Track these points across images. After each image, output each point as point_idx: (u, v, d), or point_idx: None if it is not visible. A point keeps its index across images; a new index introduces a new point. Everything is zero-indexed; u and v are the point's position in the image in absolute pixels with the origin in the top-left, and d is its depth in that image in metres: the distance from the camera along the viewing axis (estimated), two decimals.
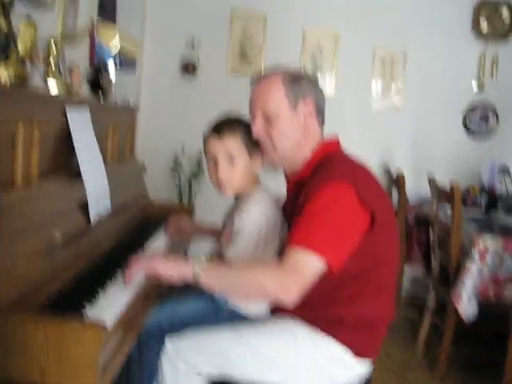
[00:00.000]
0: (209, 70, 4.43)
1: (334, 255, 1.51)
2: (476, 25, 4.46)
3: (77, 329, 1.16)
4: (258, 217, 1.73)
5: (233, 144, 1.76)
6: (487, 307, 3.03)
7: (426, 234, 3.77)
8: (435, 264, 3.49)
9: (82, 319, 1.26)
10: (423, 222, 3.85)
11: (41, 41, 1.84)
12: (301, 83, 1.70)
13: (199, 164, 4.27)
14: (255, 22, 4.46)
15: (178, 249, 2.24)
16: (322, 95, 1.77)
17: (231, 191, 1.82)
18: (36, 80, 1.80)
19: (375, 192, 1.67)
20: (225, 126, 1.78)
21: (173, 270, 1.54)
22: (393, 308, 1.77)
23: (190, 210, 2.74)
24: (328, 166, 1.64)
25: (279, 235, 1.76)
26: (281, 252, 1.60)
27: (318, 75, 4.43)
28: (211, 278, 1.53)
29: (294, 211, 1.63)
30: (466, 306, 2.96)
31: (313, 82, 1.76)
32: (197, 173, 4.29)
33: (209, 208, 3.15)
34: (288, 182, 1.84)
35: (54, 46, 1.85)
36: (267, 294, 1.55)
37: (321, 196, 1.54)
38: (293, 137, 1.70)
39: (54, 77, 1.87)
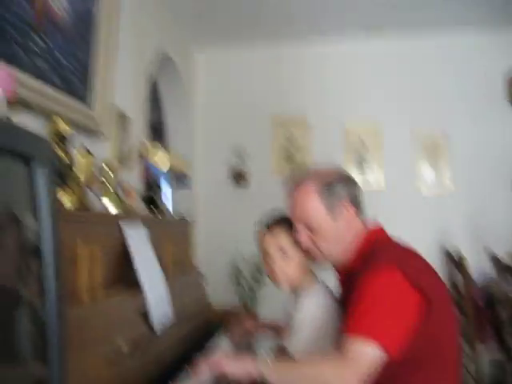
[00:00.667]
0: (257, 176, 4.61)
1: (391, 341, 1.51)
2: (510, 92, 4.52)
3: None
4: (315, 310, 1.77)
5: (284, 237, 1.84)
6: None
7: (498, 314, 3.64)
8: (511, 344, 3.34)
9: None
10: (495, 302, 3.73)
11: (97, 166, 2.02)
12: (334, 188, 1.73)
13: (258, 269, 4.33)
14: (296, 125, 4.66)
15: (242, 348, 2.26)
16: (355, 187, 1.79)
17: (287, 284, 1.88)
18: (95, 202, 1.95)
19: (427, 275, 1.67)
20: (274, 221, 1.88)
21: (238, 368, 1.57)
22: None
23: (252, 312, 2.76)
24: (377, 254, 1.66)
25: (338, 327, 1.78)
26: (338, 343, 1.61)
27: (363, 166, 4.54)
28: (275, 375, 1.55)
29: (349, 302, 1.66)
30: None
31: (345, 180, 1.77)
32: (257, 277, 4.35)
33: (273, 311, 3.16)
34: (339, 273, 1.85)
35: (107, 169, 2.01)
36: None
37: (372, 284, 1.56)
38: (338, 241, 1.75)
39: (110, 198, 2.02)
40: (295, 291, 1.90)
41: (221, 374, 1.60)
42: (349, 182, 1.78)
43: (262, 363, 1.56)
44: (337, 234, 1.73)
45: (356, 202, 1.77)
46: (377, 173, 4.62)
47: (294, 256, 1.84)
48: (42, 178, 0.94)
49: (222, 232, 4.55)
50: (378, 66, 4.66)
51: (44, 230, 0.95)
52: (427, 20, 4.36)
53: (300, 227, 1.77)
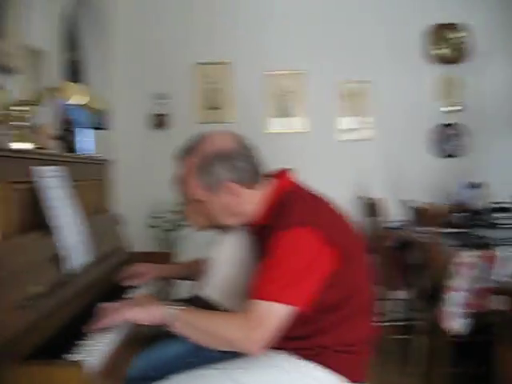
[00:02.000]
0: (179, 121, 4.53)
1: (299, 298, 1.55)
2: (433, 49, 4.64)
3: (59, 370, 1.18)
4: (232, 250, 1.78)
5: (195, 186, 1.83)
6: (474, 320, 3.07)
7: (407, 257, 3.81)
8: (420, 285, 3.53)
9: (65, 362, 1.28)
10: (405, 246, 3.90)
11: (9, 103, 1.91)
12: (214, 169, 1.68)
13: (177, 212, 4.30)
14: (220, 71, 4.58)
15: (161, 293, 2.26)
16: (244, 162, 1.71)
17: (202, 227, 1.87)
18: (6, 140, 1.85)
19: (337, 227, 1.70)
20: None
21: (145, 315, 1.58)
22: (373, 328, 1.80)
23: (167, 257, 2.74)
24: (286, 209, 1.65)
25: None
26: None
27: (287, 112, 4.56)
28: (182, 325, 1.57)
29: (259, 258, 1.67)
30: (453, 321, 2.99)
31: (228, 158, 1.69)
32: (176, 221, 4.33)
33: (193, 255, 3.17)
34: (248, 225, 1.82)
35: (20, 106, 1.91)
36: (232, 346, 1.58)
37: (281, 244, 1.57)
38: (224, 213, 1.75)
39: (22, 135, 1.92)
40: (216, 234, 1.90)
41: (126, 320, 1.59)
42: (231, 158, 1.70)
43: (169, 311, 1.57)
44: (218, 207, 1.73)
45: (242, 177, 1.71)
46: (299, 117, 4.64)
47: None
48: None
49: (142, 175, 4.47)
50: (302, 13, 4.63)
51: None
52: None
53: (186, 197, 1.77)
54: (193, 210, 1.85)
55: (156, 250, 4.30)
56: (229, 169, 1.69)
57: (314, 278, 1.58)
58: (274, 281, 1.54)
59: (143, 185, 4.44)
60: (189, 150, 1.75)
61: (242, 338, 1.53)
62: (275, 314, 1.53)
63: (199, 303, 1.76)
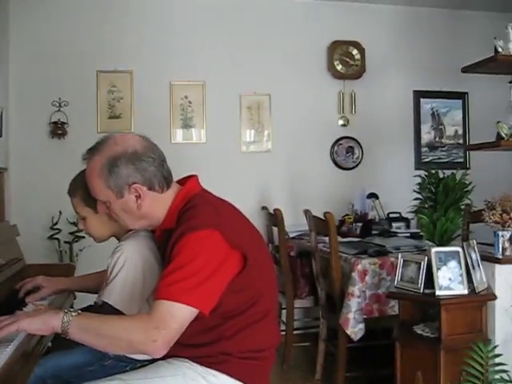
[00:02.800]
0: (79, 130, 4.38)
1: (201, 300, 1.54)
2: (331, 65, 4.80)
3: None
4: (131, 254, 1.76)
5: (76, 205, 1.91)
6: (374, 325, 3.19)
7: (309, 266, 3.89)
8: (321, 293, 3.61)
9: None
10: (306, 255, 3.98)
11: None
12: (119, 170, 1.65)
13: (77, 226, 4.16)
14: (121, 79, 4.50)
15: (63, 306, 2.17)
16: (150, 165, 1.68)
17: (98, 240, 1.97)
18: None
19: (242, 230, 1.72)
20: (69, 188, 1.93)
21: (38, 324, 1.52)
22: (276, 334, 1.83)
23: (69, 269, 2.67)
24: (191, 212, 1.64)
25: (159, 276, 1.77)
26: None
27: (188, 123, 4.56)
28: (79, 331, 1.52)
29: (165, 260, 1.66)
30: (354, 326, 3.08)
31: (133, 160, 1.66)
32: (76, 235, 4.19)
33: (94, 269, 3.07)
34: (154, 230, 1.83)
35: None
36: (133, 347, 1.54)
37: (186, 246, 1.56)
38: (131, 216, 1.73)
39: None
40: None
41: (20, 330, 1.53)
42: (137, 159, 1.67)
43: (64, 318, 1.51)
44: (125, 209, 1.70)
45: (149, 179, 1.68)
46: (200, 129, 4.64)
47: (90, 218, 1.90)
48: None
49: (38, 184, 4.28)
50: (205, 25, 4.63)
51: None
52: None
53: (97, 200, 1.74)
54: (91, 221, 1.85)
55: (56, 262, 4.12)
56: (135, 170, 1.66)
57: (218, 279, 1.57)
58: (177, 282, 1.52)
59: (41, 195, 4.26)
60: (94, 151, 1.70)
61: (143, 339, 1.49)
62: (177, 314, 1.51)
63: (102, 308, 1.72)
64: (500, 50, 2.95)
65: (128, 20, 4.52)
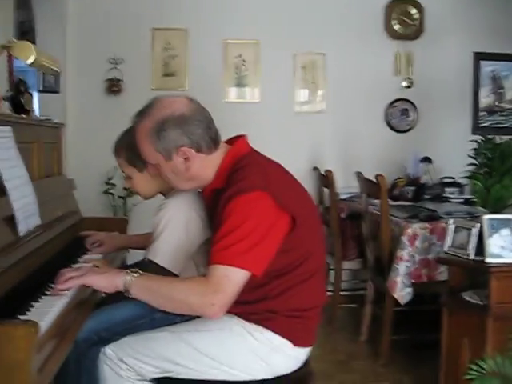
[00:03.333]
0: (134, 87, 4.45)
1: (255, 263, 1.57)
2: (388, 25, 4.67)
3: (9, 329, 1.17)
4: (175, 212, 1.80)
5: (121, 165, 1.98)
6: (422, 289, 3.18)
7: (359, 228, 3.88)
8: (370, 255, 3.61)
9: (14, 321, 1.27)
10: (356, 217, 3.97)
11: None
12: (167, 134, 1.66)
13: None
14: (176, 37, 4.51)
15: (115, 260, 2.25)
16: (197, 127, 1.69)
17: (145, 197, 2.04)
18: None
19: (291, 192, 1.73)
20: (114, 148, 2.00)
21: (103, 282, 1.61)
22: (322, 294, 1.85)
23: (122, 223, 2.74)
24: (240, 173, 1.66)
25: (204, 235, 1.81)
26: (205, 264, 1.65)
27: (242, 82, 4.55)
28: (140, 291, 1.60)
29: (214, 221, 1.70)
30: (401, 290, 3.08)
31: (181, 124, 1.67)
32: (130, 190, 4.28)
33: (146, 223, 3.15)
34: (203, 190, 1.85)
35: None
36: (192, 310, 1.62)
37: (236, 209, 1.59)
38: (180, 178, 1.75)
39: None
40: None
41: (85, 285, 1.63)
42: (185, 122, 1.68)
43: (129, 278, 1.59)
44: (174, 171, 1.73)
45: (196, 142, 1.69)
46: (253, 88, 4.63)
47: (135, 176, 1.96)
48: None
49: (94, 140, 4.37)
50: None
51: None
52: None
53: (147, 162, 1.78)
54: (137, 180, 1.88)
55: (110, 215, 4.24)
56: (183, 133, 1.68)
57: (269, 241, 1.60)
58: (230, 245, 1.55)
59: (96, 150, 4.35)
60: (142, 114, 1.72)
61: (200, 303, 1.55)
62: (233, 278, 1.55)
63: (149, 266, 1.77)
64: None
65: None
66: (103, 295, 1.89)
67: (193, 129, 1.69)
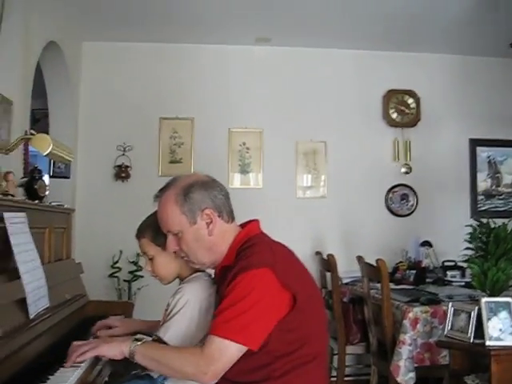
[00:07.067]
0: (141, 174, 4.60)
1: (251, 338, 1.63)
2: (386, 114, 4.88)
3: None
4: (191, 296, 1.86)
5: (144, 245, 1.99)
6: (425, 373, 3.17)
7: (362, 312, 3.90)
8: (373, 340, 3.62)
9: None
10: (358, 301, 3.99)
11: None
12: (193, 196, 1.78)
13: (137, 265, 4.34)
14: (183, 126, 4.71)
15: None
16: (219, 193, 1.83)
17: (165, 281, 2.03)
18: None
19: (296, 272, 1.79)
20: (138, 229, 2.02)
21: (113, 350, 1.70)
22: (324, 377, 1.87)
23: (128, 307, 2.79)
24: (248, 251, 1.74)
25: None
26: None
27: (246, 169, 4.72)
28: (143, 357, 1.68)
29: (220, 296, 1.76)
30: (404, 374, 3.08)
31: (206, 187, 1.81)
32: (135, 274, 4.35)
33: (150, 308, 3.18)
34: (214, 268, 1.93)
35: None
36: (186, 377, 1.69)
37: (240, 284, 1.66)
38: (201, 245, 1.82)
39: None
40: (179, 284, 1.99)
41: (95, 356, 1.72)
42: (210, 189, 1.82)
43: (134, 345, 1.68)
44: (197, 238, 1.80)
45: (220, 209, 1.81)
46: (257, 174, 4.79)
47: (158, 258, 1.97)
48: None
49: (101, 224, 4.49)
50: (265, 75, 4.83)
51: None
52: (316, 36, 4.63)
53: (167, 235, 1.84)
54: (159, 261, 1.95)
55: (115, 299, 4.28)
56: (208, 196, 1.80)
57: (267, 317, 1.66)
58: (229, 319, 1.62)
59: (103, 235, 4.46)
60: (166, 187, 1.85)
61: (195, 372, 1.63)
62: (227, 351, 1.62)
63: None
64: None
65: (190, 70, 4.76)
66: (106, 379, 1.94)
67: (216, 193, 1.82)
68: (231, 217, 1.87)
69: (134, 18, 4.21)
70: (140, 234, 2.01)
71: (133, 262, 4.37)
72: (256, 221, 1.93)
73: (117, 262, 4.40)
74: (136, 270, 4.35)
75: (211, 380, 1.63)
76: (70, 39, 4.25)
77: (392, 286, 3.60)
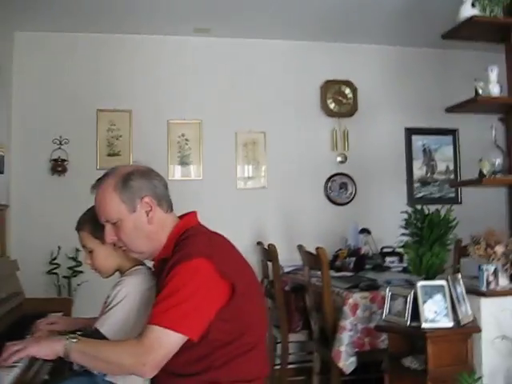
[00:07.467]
0: (78, 167, 4.50)
1: (190, 327, 1.63)
2: (324, 104, 4.95)
3: None
4: (131, 289, 1.85)
5: (84, 238, 1.98)
6: (366, 358, 3.24)
7: (303, 300, 3.95)
8: (315, 327, 3.67)
9: None
10: (300, 289, 4.04)
11: None
12: (133, 183, 1.78)
13: (76, 261, 4.26)
14: (121, 118, 4.64)
15: None
16: (159, 182, 1.85)
17: (105, 275, 2.02)
18: None
19: (233, 262, 1.81)
20: (78, 222, 2.01)
21: (45, 350, 1.64)
22: (266, 365, 1.88)
23: (67, 303, 2.75)
24: (185, 242, 1.75)
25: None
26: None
27: (186, 160, 4.69)
28: (79, 355, 1.64)
29: (159, 288, 1.75)
30: (346, 360, 3.14)
31: (146, 176, 1.82)
32: (74, 270, 4.27)
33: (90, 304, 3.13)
34: (153, 260, 1.92)
35: None
36: (125, 370, 1.66)
37: (178, 274, 1.66)
38: (140, 234, 1.81)
39: None
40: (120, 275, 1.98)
41: (28, 356, 1.66)
42: (148, 176, 1.83)
43: (69, 342, 1.63)
44: (136, 226, 1.79)
45: (159, 198, 1.82)
46: (197, 165, 4.77)
47: (98, 251, 1.97)
48: None
49: (38, 220, 4.37)
50: (205, 65, 4.81)
51: None
52: (254, 27, 4.64)
53: (104, 223, 1.82)
54: (99, 254, 1.93)
55: (54, 296, 4.18)
56: (147, 184, 1.81)
57: (206, 307, 1.66)
58: (167, 308, 1.61)
59: (40, 230, 4.35)
60: (105, 175, 1.83)
61: (133, 363, 1.60)
62: (166, 340, 1.60)
63: (93, 335, 1.80)
64: (480, 91, 3.08)
65: (127, 61, 4.69)
66: (46, 377, 1.90)
67: (155, 183, 1.83)
68: (170, 207, 1.87)
69: (70, 6, 4.10)
70: (79, 227, 1.99)
71: (72, 258, 4.28)
72: (194, 212, 1.93)
73: (55, 258, 4.31)
74: (75, 266, 4.27)
75: (151, 371, 1.60)
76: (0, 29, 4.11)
77: (332, 273, 3.67)
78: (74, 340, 1.64)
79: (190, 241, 1.75)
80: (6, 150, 4.03)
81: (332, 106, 4.98)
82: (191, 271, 1.66)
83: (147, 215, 1.79)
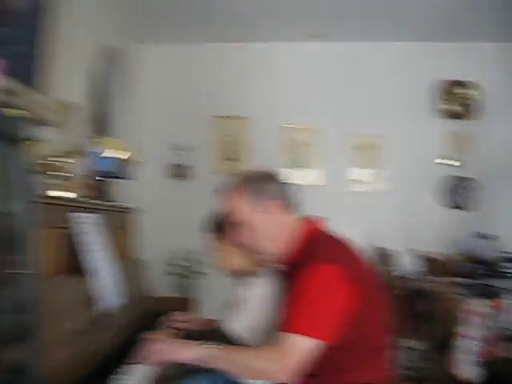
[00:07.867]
0: (197, 172, 4.70)
1: (324, 332, 1.66)
2: (440, 105, 4.85)
3: None
4: (266, 290, 1.93)
5: (212, 239, 2.08)
6: (487, 367, 3.13)
7: (419, 306, 3.88)
8: (430, 334, 3.60)
9: None
10: (416, 295, 3.98)
11: (47, 154, 2.09)
12: (260, 186, 1.84)
13: (197, 262, 4.46)
14: (237, 125, 4.81)
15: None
16: (284, 185, 1.89)
17: (231, 274, 2.11)
18: (45, 189, 2.02)
19: (359, 268, 1.82)
20: (205, 224, 2.10)
21: (184, 355, 1.73)
22: (389, 370, 1.89)
23: (185, 301, 2.87)
24: (316, 248, 1.78)
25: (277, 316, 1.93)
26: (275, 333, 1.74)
27: (300, 165, 4.75)
28: (214, 360, 1.70)
29: (289, 294, 1.79)
30: (465, 368, 3.06)
31: (272, 179, 1.88)
32: (196, 268, 4.46)
33: (212, 301, 3.26)
34: (285, 264, 1.93)
35: (57, 157, 2.09)
36: (261, 375, 1.71)
37: (308, 281, 1.70)
38: (272, 236, 1.85)
39: (60, 186, 2.09)
40: (245, 278, 2.06)
41: (165, 360, 1.75)
42: (276, 180, 1.89)
43: (205, 349, 1.71)
44: (268, 228, 1.84)
45: (285, 199, 1.87)
46: (314, 170, 4.83)
47: (232, 250, 2.03)
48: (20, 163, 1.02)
49: (162, 223, 4.60)
50: (318, 69, 4.88)
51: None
52: (367, 30, 4.63)
53: (232, 226, 1.89)
54: (227, 254, 2.03)
55: (176, 295, 4.39)
56: (277, 187, 1.87)
57: (337, 312, 1.69)
58: (300, 315, 1.66)
59: (164, 233, 4.57)
60: (233, 179, 1.90)
61: (269, 369, 1.65)
62: (302, 346, 1.64)
63: (219, 336, 1.89)
64: None
65: (244, 67, 4.85)
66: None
67: (284, 186, 1.89)
68: (296, 210, 1.90)
69: (187, 19, 4.31)
70: (207, 228, 2.08)
71: (192, 260, 4.46)
72: (320, 217, 1.96)
73: (176, 259, 4.51)
74: (195, 267, 4.44)
75: (286, 377, 1.63)
76: (129, 43, 4.37)
77: (451, 279, 3.58)
78: (209, 347, 1.72)
79: (321, 247, 1.79)
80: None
81: (450, 107, 4.85)
82: (324, 277, 1.69)
83: (272, 217, 1.84)
